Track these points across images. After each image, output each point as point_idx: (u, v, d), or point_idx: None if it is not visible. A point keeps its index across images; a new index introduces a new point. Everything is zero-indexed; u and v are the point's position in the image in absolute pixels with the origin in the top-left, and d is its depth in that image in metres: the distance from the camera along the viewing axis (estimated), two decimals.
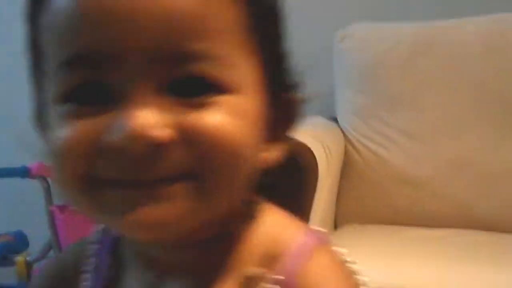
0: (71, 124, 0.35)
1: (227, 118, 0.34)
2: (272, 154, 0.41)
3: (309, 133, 1.29)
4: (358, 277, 0.43)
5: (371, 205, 1.59)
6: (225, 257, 0.39)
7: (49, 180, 1.70)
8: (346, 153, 1.61)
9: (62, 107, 0.35)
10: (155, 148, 0.33)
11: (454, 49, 1.53)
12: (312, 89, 1.66)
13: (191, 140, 0.34)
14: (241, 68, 0.36)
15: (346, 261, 0.42)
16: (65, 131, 0.35)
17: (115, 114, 0.33)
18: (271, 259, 0.38)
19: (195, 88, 0.34)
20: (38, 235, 1.81)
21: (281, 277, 0.37)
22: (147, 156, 0.33)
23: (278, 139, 0.41)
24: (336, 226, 1.58)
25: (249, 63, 0.37)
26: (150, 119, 0.32)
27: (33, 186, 1.72)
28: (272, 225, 0.41)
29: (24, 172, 1.64)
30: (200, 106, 0.34)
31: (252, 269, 0.38)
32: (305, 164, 1.14)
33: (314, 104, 1.70)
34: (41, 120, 0.40)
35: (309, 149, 1.13)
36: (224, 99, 0.35)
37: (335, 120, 1.68)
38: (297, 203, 1.12)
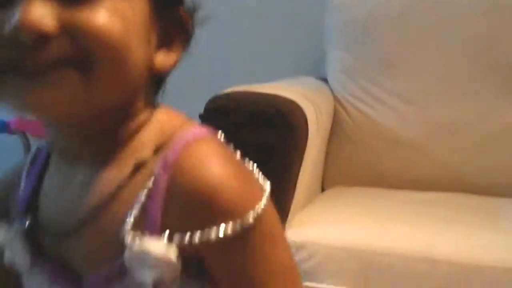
0: None
1: (107, 16, 0.39)
2: (167, 60, 0.47)
3: (300, 92, 1.24)
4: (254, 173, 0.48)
5: (359, 167, 1.55)
6: (122, 147, 0.45)
7: (29, 136, 1.64)
8: (335, 113, 1.57)
9: None
10: (40, 38, 0.38)
11: (450, 5, 1.48)
12: (301, 48, 1.60)
13: (73, 33, 0.39)
14: None
15: (236, 155, 0.47)
16: None
17: (10, 11, 0.38)
18: (162, 148, 0.44)
19: None
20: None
21: (168, 159, 0.43)
22: (33, 44, 0.38)
23: (173, 48, 0.47)
24: (323, 188, 1.55)
25: None
26: (37, 13, 0.37)
27: (13, 143, 1.66)
28: (165, 120, 0.47)
29: (2, 127, 1.58)
30: (84, 4, 0.39)
31: (142, 155, 0.44)
32: (295, 123, 1.11)
33: (303, 63, 1.65)
34: None
35: (300, 108, 1.09)
36: (106, 0, 0.40)
37: (325, 80, 1.64)
38: (287, 161, 1.09)
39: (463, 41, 1.49)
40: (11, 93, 0.40)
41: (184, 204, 0.42)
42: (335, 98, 1.57)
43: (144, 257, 0.42)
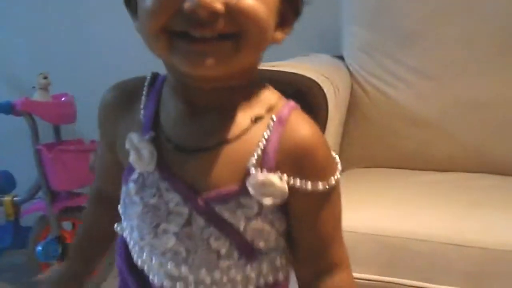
0: None
1: (257, 2, 0.52)
2: (279, 35, 0.58)
3: (317, 69, 1.18)
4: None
5: (377, 147, 1.50)
6: (242, 102, 0.58)
7: (35, 117, 1.60)
8: (351, 92, 1.52)
9: None
10: (212, 15, 0.50)
11: None
12: (315, 24, 1.52)
13: (234, 14, 0.51)
14: None
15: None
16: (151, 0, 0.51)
17: None
18: (269, 108, 0.58)
19: None
20: (25, 175, 1.72)
21: (282, 118, 0.57)
22: (208, 18, 0.50)
23: (285, 26, 0.58)
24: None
25: None
26: None
27: (19, 124, 1.62)
28: (268, 89, 0.61)
29: (8, 108, 1.53)
30: None
31: (259, 111, 0.58)
32: (315, 102, 1.05)
33: (317, 40, 1.58)
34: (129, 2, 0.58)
35: (319, 86, 1.04)
36: None
37: (340, 58, 1.58)
38: None
39: (484, 16, 1.43)
40: (182, 54, 0.52)
41: (291, 152, 0.56)
42: (352, 75, 1.52)
43: (265, 185, 0.55)
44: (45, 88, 1.64)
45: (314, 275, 0.61)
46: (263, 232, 0.58)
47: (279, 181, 0.56)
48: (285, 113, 0.58)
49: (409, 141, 1.47)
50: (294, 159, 0.56)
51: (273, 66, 1.13)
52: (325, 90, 1.07)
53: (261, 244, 0.59)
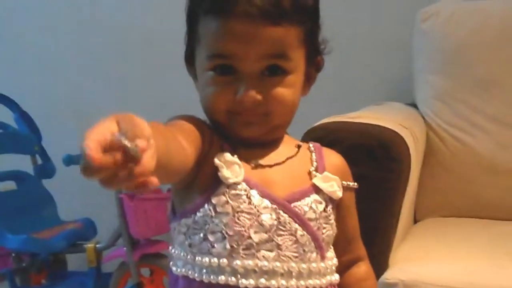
0: (216, 84, 0.71)
1: (287, 90, 0.71)
2: (305, 92, 0.77)
3: (396, 120, 1.20)
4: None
5: (455, 197, 1.48)
6: (282, 140, 0.78)
7: None
8: (427, 141, 1.51)
9: (209, 73, 0.72)
10: (255, 103, 0.70)
11: None
12: (385, 73, 1.54)
13: (270, 100, 0.71)
14: (297, 60, 0.72)
15: None
16: (213, 89, 0.72)
17: (240, 84, 0.70)
18: (298, 144, 0.79)
19: (275, 71, 0.71)
20: (106, 222, 1.79)
21: (313, 145, 0.80)
22: (251, 106, 0.70)
23: (310, 84, 0.78)
24: (415, 218, 1.49)
25: (301, 55, 0.73)
26: (254, 92, 0.70)
27: None
28: (289, 135, 0.80)
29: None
30: (276, 82, 0.71)
31: (294, 143, 0.79)
32: (398, 155, 1.06)
33: (388, 89, 1.59)
34: (189, 62, 0.77)
35: (402, 138, 1.05)
36: (287, 78, 0.71)
37: (413, 106, 1.58)
38: (390, 194, 1.04)
39: None
40: (236, 125, 0.72)
41: (334, 165, 0.78)
42: (427, 123, 1.52)
43: (327, 179, 0.75)
44: None
45: (345, 264, 0.79)
46: (329, 224, 0.74)
47: (335, 176, 0.75)
48: (317, 145, 0.80)
49: (489, 189, 1.44)
50: (337, 170, 0.77)
51: (352, 118, 1.15)
52: (406, 141, 1.07)
53: (327, 238, 0.74)
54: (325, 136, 1.03)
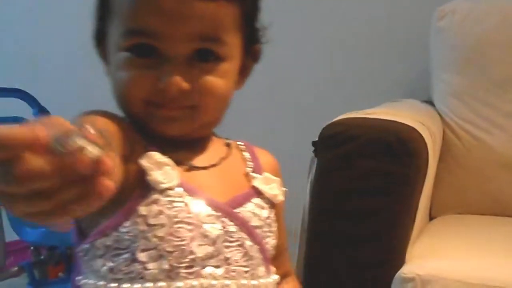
0: (132, 68, 0.61)
1: (219, 80, 0.62)
2: (241, 84, 0.68)
3: (413, 116, 1.20)
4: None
5: (471, 194, 1.48)
6: (210, 137, 0.69)
7: None
8: (443, 138, 1.51)
9: (124, 54, 0.61)
10: (180, 93, 0.60)
11: None
12: (402, 70, 1.55)
13: (199, 90, 0.61)
14: (233, 46, 0.63)
15: None
16: (129, 73, 0.61)
17: (163, 68, 0.60)
18: (227, 142, 0.71)
19: (207, 57, 0.61)
20: None
21: (243, 143, 0.72)
22: (176, 96, 0.60)
23: (245, 76, 0.69)
24: (431, 215, 1.49)
25: (238, 41, 0.64)
26: (179, 78, 0.59)
27: None
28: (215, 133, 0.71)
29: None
30: (207, 69, 0.61)
31: (223, 141, 0.71)
32: (416, 150, 1.07)
33: (404, 86, 1.59)
34: (99, 43, 0.66)
35: (419, 134, 1.05)
36: (220, 66, 0.62)
37: (429, 103, 1.58)
38: (408, 190, 1.05)
39: None
40: (157, 120, 0.62)
41: (270, 166, 0.71)
42: (443, 121, 1.52)
43: (268, 181, 0.67)
44: None
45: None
46: (273, 233, 0.66)
47: (276, 177, 0.68)
48: (246, 143, 0.72)
49: (505, 187, 1.44)
50: (274, 171, 0.70)
51: (368, 114, 1.15)
52: (424, 137, 1.08)
53: (271, 249, 0.66)
54: (342, 131, 1.04)
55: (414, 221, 1.07)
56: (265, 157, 0.71)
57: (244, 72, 0.67)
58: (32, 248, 1.79)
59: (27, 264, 1.77)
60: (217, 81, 0.61)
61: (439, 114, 1.53)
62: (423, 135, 1.07)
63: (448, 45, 1.54)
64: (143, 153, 0.59)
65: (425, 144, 1.06)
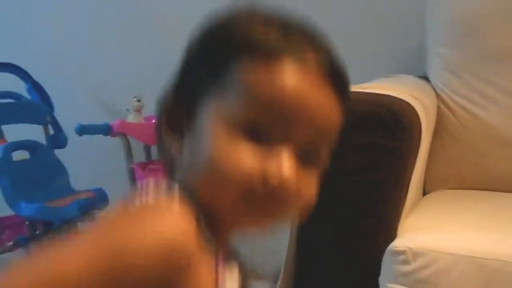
0: (238, 146, 0.52)
1: (314, 184, 0.55)
2: None
3: (407, 91, 1.19)
4: None
5: (465, 169, 1.48)
6: None
7: (130, 137, 1.69)
8: (438, 113, 1.51)
9: (233, 129, 0.52)
10: (289, 184, 0.52)
11: None
12: (397, 45, 1.53)
13: (301, 192, 0.53)
14: (326, 155, 0.57)
15: None
16: (235, 153, 0.52)
17: (273, 159, 0.52)
18: None
19: (309, 159, 0.54)
20: (118, 192, 1.81)
21: None
22: (283, 187, 0.52)
23: None
24: (424, 190, 1.49)
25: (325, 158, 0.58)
26: (292, 174, 0.52)
27: (114, 144, 1.71)
28: None
29: (106, 130, 1.63)
30: (309, 172, 0.54)
31: None
32: (409, 124, 1.06)
33: (399, 61, 1.58)
34: (182, 99, 0.57)
35: (412, 108, 1.05)
36: (316, 172, 0.55)
37: (424, 78, 1.57)
38: (401, 163, 1.05)
39: None
40: (251, 218, 0.54)
41: None
42: (438, 96, 1.51)
43: None
44: (139, 110, 1.73)
45: None
46: None
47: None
48: None
49: (499, 162, 1.44)
50: None
51: (363, 88, 1.15)
52: (417, 111, 1.07)
53: None
54: None
55: (406, 194, 1.07)
56: None
57: None
58: (27, 223, 1.80)
59: (23, 239, 1.78)
60: (313, 185, 0.55)
61: (434, 90, 1.52)
62: (416, 108, 1.07)
63: (444, 19, 1.52)
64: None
65: (418, 117, 1.05)
